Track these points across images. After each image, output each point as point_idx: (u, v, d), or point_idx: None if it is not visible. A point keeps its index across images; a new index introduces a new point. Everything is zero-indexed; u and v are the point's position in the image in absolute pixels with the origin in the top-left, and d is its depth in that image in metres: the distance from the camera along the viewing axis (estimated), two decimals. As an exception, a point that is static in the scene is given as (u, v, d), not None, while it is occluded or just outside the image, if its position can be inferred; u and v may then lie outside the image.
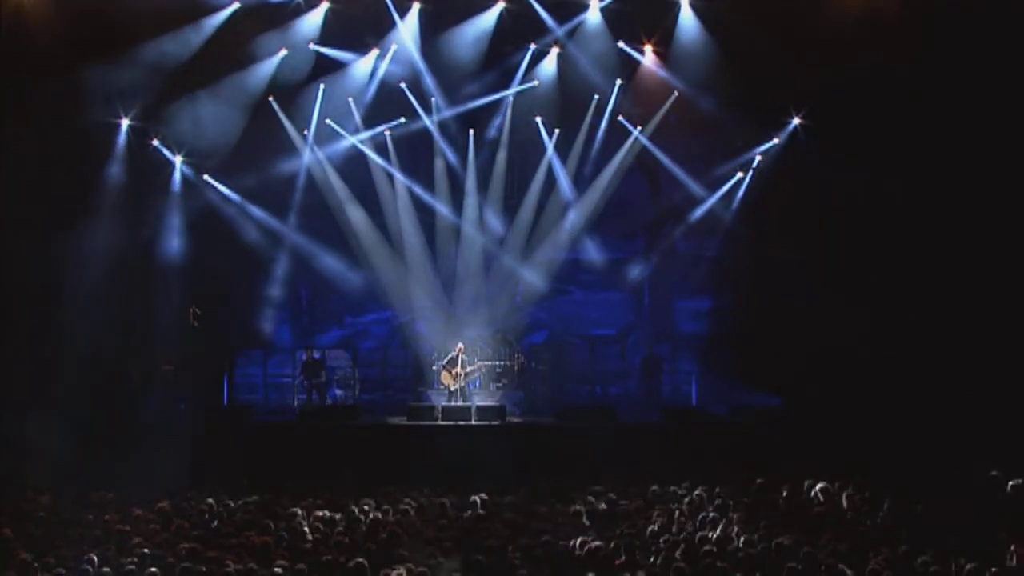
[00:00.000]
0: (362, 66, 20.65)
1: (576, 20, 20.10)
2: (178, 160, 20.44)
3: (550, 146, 21.37)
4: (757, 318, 20.55)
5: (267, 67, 20.10)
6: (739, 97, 19.91)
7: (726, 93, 19.89)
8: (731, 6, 19.17)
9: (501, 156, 21.57)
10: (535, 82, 20.80)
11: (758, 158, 20.96)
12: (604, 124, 21.18)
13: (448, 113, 21.15)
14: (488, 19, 19.97)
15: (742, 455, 15.70)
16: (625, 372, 21.66)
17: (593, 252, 21.99)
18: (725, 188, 21.17)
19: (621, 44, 20.39)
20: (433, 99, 20.96)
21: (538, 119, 21.26)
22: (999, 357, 18.23)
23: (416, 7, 19.79)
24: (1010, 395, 17.46)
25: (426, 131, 21.24)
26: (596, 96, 20.97)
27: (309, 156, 21.00)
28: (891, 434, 16.77)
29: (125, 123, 19.64)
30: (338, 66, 20.60)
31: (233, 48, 19.64)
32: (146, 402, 19.24)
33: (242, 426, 18.34)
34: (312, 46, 20.08)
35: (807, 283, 20.01)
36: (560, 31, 20.27)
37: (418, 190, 21.57)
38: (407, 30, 20.04)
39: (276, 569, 9.52)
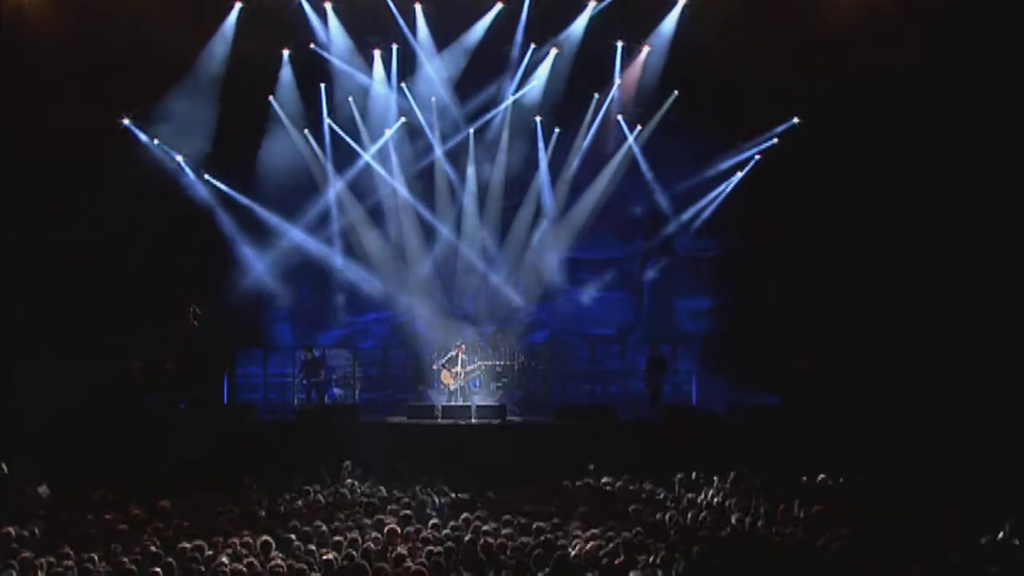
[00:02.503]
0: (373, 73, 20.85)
1: (574, 20, 20.17)
2: (180, 158, 20.51)
3: (544, 147, 21.39)
4: (757, 318, 20.57)
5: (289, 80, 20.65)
6: (738, 96, 19.95)
7: (725, 92, 19.92)
8: (730, 5, 19.19)
9: (501, 156, 21.58)
10: (535, 82, 20.84)
11: (757, 157, 20.99)
12: (603, 123, 21.20)
13: (449, 111, 21.23)
14: (487, 19, 20.04)
15: (742, 454, 15.71)
16: (625, 372, 21.65)
17: (593, 252, 22.03)
18: (724, 187, 21.21)
19: (620, 44, 20.47)
20: (433, 99, 21.02)
21: (537, 119, 21.28)
22: (999, 356, 18.27)
23: (418, 7, 19.88)
24: (1009, 394, 17.49)
25: (427, 130, 21.31)
26: (596, 96, 21.02)
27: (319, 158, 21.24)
28: (890, 434, 16.81)
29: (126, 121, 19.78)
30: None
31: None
32: (147, 401, 19.23)
33: (242, 425, 18.34)
34: (313, 47, 20.18)
35: (806, 282, 20.07)
36: (558, 31, 20.37)
37: (418, 190, 21.64)
38: (408, 30, 20.13)
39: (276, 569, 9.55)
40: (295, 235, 21.19)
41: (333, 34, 20.10)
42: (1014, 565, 9.53)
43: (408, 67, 20.76)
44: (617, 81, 20.84)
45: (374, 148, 21.23)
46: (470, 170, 21.53)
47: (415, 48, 20.43)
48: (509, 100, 21.04)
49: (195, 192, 20.77)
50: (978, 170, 18.62)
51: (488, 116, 21.32)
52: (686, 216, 21.63)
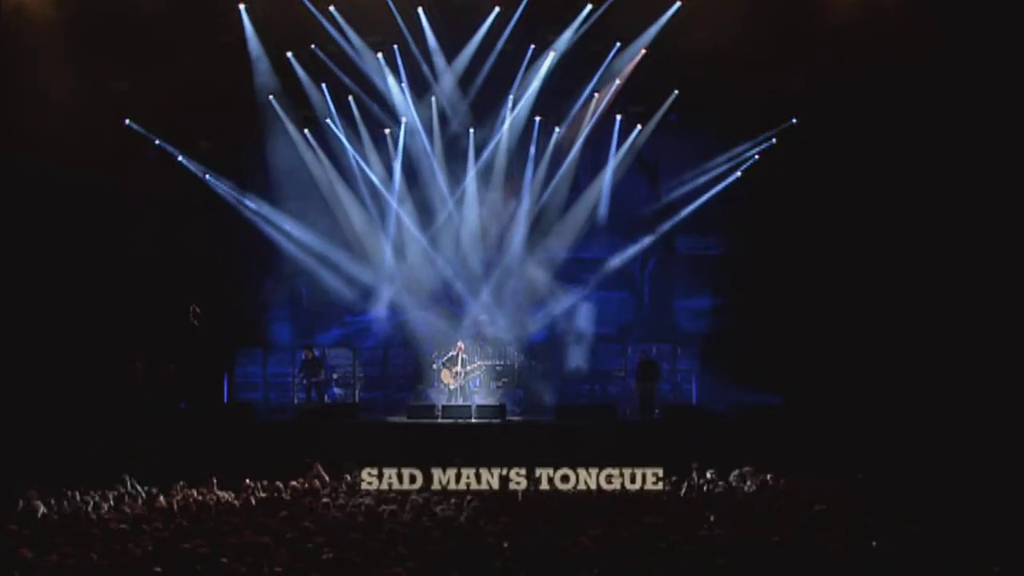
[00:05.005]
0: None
1: (572, 21, 20.20)
2: (181, 158, 20.55)
3: (542, 149, 21.39)
4: (757, 318, 20.58)
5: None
6: (738, 95, 19.96)
7: (725, 92, 19.93)
8: (730, 5, 19.21)
9: (502, 156, 21.57)
10: (535, 82, 20.83)
11: (756, 156, 20.98)
12: (603, 122, 21.19)
13: (450, 112, 21.26)
14: (487, 24, 20.11)
15: (742, 453, 15.74)
16: (625, 371, 21.62)
17: (593, 251, 22.02)
18: (723, 186, 21.20)
19: (618, 44, 20.48)
20: (433, 98, 21.02)
21: (536, 119, 21.27)
22: (998, 355, 18.29)
23: (420, 10, 19.98)
24: (1008, 393, 17.51)
25: (428, 130, 21.29)
26: (595, 95, 21.02)
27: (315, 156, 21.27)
28: (890, 433, 16.83)
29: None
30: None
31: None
32: (148, 400, 19.26)
33: (242, 424, 18.37)
34: (313, 47, 20.25)
35: (806, 282, 20.08)
36: (556, 32, 20.41)
37: (419, 189, 21.67)
38: (410, 29, 20.24)
39: (276, 569, 9.53)
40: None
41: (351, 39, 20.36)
42: (1016, 565, 9.52)
43: (409, 69, 20.78)
44: (616, 81, 20.84)
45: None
46: (471, 170, 21.51)
47: (414, 50, 20.51)
48: (509, 100, 21.02)
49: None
50: (978, 169, 18.64)
51: (489, 116, 21.30)
52: (687, 215, 21.61)
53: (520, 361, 20.85)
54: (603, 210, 21.58)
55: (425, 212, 21.71)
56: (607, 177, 21.43)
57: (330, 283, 21.50)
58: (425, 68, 20.81)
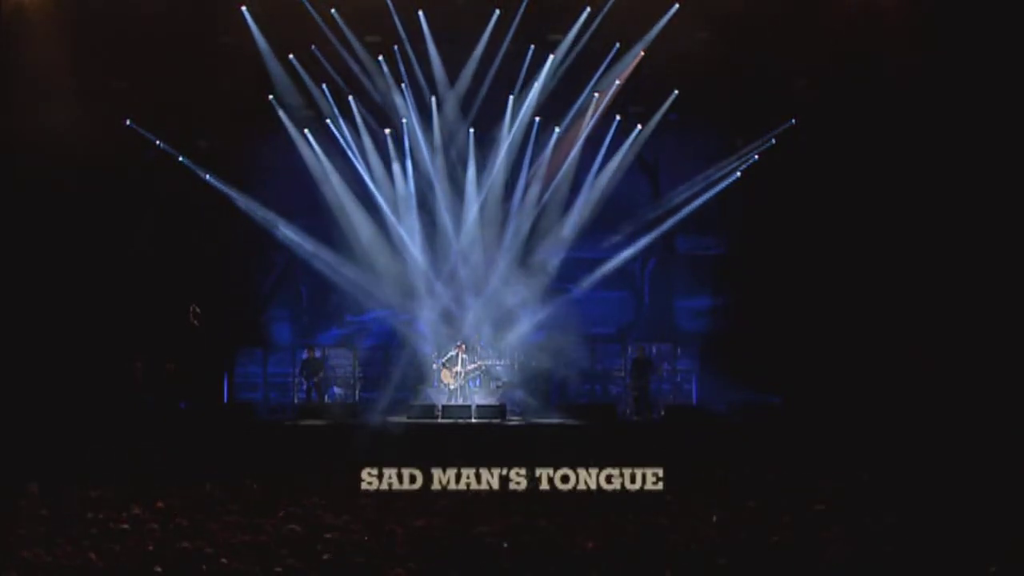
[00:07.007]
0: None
1: (574, 20, 20.19)
2: (181, 158, 20.56)
3: (541, 149, 21.39)
4: (757, 318, 20.59)
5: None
6: (738, 95, 19.96)
7: (724, 92, 19.94)
8: (730, 4, 19.23)
9: (502, 156, 21.56)
10: (535, 83, 20.83)
11: (756, 156, 20.99)
12: (603, 122, 21.19)
13: (450, 114, 21.25)
14: (489, 26, 20.14)
15: (742, 453, 15.75)
16: (625, 371, 21.60)
17: (592, 251, 22.01)
18: (723, 186, 21.19)
19: (617, 44, 20.49)
20: (432, 98, 21.03)
21: (536, 119, 21.27)
22: (998, 354, 18.31)
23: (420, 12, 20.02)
24: (1008, 393, 17.52)
25: (428, 131, 21.28)
26: (595, 95, 21.02)
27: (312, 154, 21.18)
28: (890, 433, 16.84)
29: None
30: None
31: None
32: (148, 400, 19.27)
33: (242, 424, 18.38)
34: (313, 47, 20.26)
35: (806, 282, 20.10)
36: (556, 33, 20.41)
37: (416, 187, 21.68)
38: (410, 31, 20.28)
39: (276, 569, 9.53)
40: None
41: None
42: (1014, 565, 9.53)
43: (409, 71, 20.79)
44: (617, 81, 20.84)
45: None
46: (471, 170, 21.48)
47: (414, 53, 20.53)
48: (510, 100, 21.02)
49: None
50: (978, 169, 18.66)
51: (489, 116, 21.28)
52: (687, 215, 21.59)
53: (520, 361, 20.83)
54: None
55: (424, 213, 21.67)
56: (585, 189, 21.33)
57: (330, 283, 21.48)
58: (426, 70, 20.80)
